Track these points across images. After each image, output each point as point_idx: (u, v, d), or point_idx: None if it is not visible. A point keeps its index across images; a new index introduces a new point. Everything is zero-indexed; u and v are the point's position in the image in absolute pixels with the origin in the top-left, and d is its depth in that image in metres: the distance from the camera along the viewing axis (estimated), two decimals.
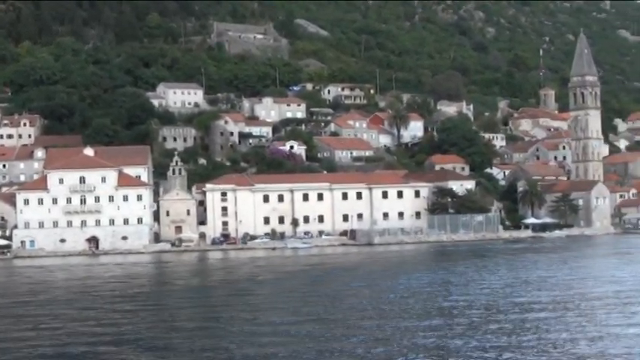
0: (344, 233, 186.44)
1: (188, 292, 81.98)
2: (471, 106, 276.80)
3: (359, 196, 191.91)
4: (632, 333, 48.03)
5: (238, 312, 63.12)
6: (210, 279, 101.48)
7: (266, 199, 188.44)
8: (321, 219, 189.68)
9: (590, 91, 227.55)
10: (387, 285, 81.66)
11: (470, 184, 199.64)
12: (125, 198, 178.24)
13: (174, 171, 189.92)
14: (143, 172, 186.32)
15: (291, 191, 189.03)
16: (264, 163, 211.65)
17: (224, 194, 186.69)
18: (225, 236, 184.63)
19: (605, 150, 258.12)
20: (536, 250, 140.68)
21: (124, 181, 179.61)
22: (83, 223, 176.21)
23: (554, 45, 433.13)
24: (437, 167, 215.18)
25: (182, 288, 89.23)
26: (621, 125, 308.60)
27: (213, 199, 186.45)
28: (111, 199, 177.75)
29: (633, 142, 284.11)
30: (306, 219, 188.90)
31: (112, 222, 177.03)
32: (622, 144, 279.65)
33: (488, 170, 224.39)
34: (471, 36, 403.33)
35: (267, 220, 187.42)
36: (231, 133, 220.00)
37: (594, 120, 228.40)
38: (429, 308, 62.67)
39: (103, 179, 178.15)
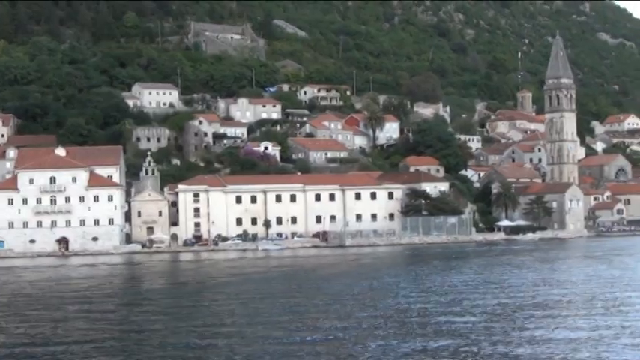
0: (317, 235, 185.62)
1: (126, 296, 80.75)
2: (448, 108, 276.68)
3: (332, 197, 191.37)
4: (554, 337, 47.39)
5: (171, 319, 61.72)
6: (157, 282, 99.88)
7: (238, 200, 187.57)
8: (294, 220, 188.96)
9: (565, 94, 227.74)
10: (338, 288, 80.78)
11: (444, 186, 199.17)
12: (96, 198, 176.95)
13: (146, 171, 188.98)
14: (115, 173, 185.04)
15: (264, 192, 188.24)
16: (237, 164, 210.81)
17: (196, 195, 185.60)
18: (198, 237, 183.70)
19: (581, 152, 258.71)
20: (503, 252, 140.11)
21: (95, 181, 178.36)
22: (53, 224, 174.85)
23: (533, 47, 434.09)
24: (412, 169, 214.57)
25: (121, 290, 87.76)
26: (598, 128, 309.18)
27: (185, 200, 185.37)
28: (81, 199, 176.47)
29: (610, 144, 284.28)
30: (279, 220, 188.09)
31: (82, 223, 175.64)
32: (599, 146, 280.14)
33: (463, 172, 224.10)
34: (450, 38, 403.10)
35: (239, 222, 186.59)
36: (205, 134, 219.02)
37: (569, 122, 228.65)
38: (364, 311, 61.49)
39: (74, 179, 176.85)
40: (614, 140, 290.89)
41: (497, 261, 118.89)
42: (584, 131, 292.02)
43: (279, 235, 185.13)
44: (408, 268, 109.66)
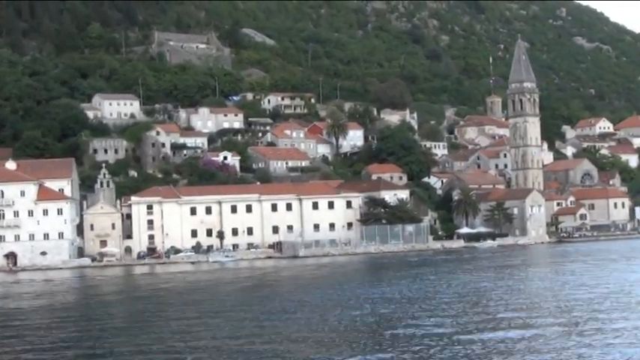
0: (273, 246, 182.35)
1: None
2: (415, 115, 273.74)
3: (289, 207, 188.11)
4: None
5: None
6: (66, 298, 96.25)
7: (193, 211, 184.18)
8: (250, 231, 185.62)
9: (528, 98, 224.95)
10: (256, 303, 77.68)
11: (404, 194, 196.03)
12: (45, 212, 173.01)
13: (101, 184, 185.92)
14: (67, 186, 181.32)
15: (219, 203, 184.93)
16: (196, 175, 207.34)
17: (150, 207, 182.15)
18: (152, 250, 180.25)
19: (549, 157, 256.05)
20: (451, 261, 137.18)
21: (44, 194, 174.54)
22: (2, 239, 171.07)
23: (509, 52, 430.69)
24: (374, 177, 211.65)
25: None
26: (569, 132, 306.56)
27: (138, 212, 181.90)
28: (30, 213, 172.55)
29: (580, 149, 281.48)
30: (235, 231, 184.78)
31: (31, 237, 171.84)
32: (569, 151, 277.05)
33: (425, 179, 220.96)
34: (424, 44, 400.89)
35: (194, 233, 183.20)
36: (163, 145, 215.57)
37: (533, 127, 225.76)
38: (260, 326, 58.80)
39: (22, 193, 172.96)
40: (585, 144, 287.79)
41: (446, 269, 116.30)
42: (554, 136, 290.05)
43: (235, 246, 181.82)
44: (336, 282, 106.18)
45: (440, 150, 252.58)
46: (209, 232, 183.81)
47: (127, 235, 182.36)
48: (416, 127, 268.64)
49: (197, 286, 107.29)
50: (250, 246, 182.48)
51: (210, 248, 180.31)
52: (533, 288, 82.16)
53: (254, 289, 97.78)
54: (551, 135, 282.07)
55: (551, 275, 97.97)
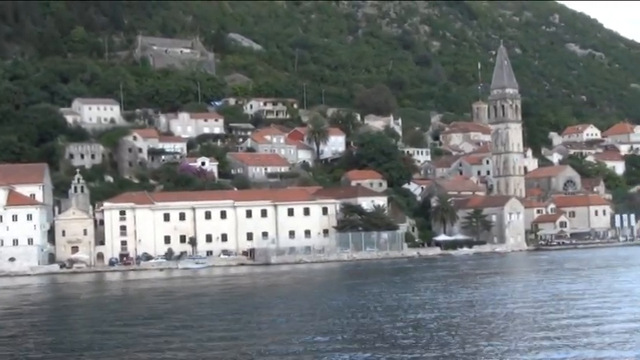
0: (247, 252, 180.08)
1: None
2: (400, 121, 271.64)
3: (264, 213, 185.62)
4: None
5: None
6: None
7: (167, 217, 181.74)
8: (224, 238, 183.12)
9: (510, 104, 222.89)
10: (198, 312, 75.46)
11: (382, 201, 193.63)
12: (14, 218, 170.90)
13: (75, 189, 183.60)
14: (38, 191, 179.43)
15: (193, 209, 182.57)
16: (172, 181, 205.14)
17: (123, 213, 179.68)
18: (124, 256, 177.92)
19: (534, 164, 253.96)
20: (422, 269, 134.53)
21: (14, 200, 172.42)
22: None
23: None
24: (353, 183, 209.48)
25: None
26: (556, 139, 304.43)
27: (111, 218, 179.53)
28: None
29: (567, 155, 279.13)
30: (209, 237, 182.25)
31: (1, 243, 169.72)
32: (555, 158, 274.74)
33: (406, 186, 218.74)
34: (414, 50, 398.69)
35: (167, 240, 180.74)
36: (140, 150, 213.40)
37: (515, 133, 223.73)
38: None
39: None
40: (572, 151, 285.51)
41: (410, 278, 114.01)
42: (540, 142, 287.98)
43: (209, 252, 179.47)
44: (293, 291, 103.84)
45: (423, 156, 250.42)
46: (182, 239, 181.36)
47: (100, 241, 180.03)
48: (400, 133, 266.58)
49: (133, 296, 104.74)
50: (224, 252, 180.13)
51: (183, 255, 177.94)
52: (454, 300, 77.93)
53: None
54: (537, 141, 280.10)
55: (487, 287, 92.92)
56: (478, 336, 53.82)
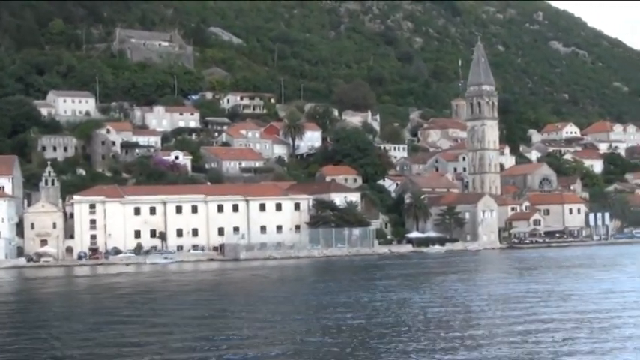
0: (217, 247, 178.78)
1: None
2: (378, 117, 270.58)
3: (235, 208, 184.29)
4: None
5: None
6: None
7: (137, 211, 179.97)
8: (195, 232, 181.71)
9: (486, 101, 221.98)
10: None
11: (355, 197, 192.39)
12: None
13: (46, 182, 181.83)
14: (8, 183, 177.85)
15: (164, 203, 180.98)
16: (145, 175, 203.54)
17: (93, 206, 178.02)
18: (94, 250, 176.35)
19: (511, 161, 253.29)
20: (384, 267, 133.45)
21: None
22: None
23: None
24: (328, 178, 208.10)
25: None
26: (535, 136, 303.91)
27: (81, 212, 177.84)
28: None
29: (545, 153, 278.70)
30: (179, 232, 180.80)
31: None
32: (534, 155, 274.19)
33: (380, 182, 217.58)
34: (397, 46, 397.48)
35: (137, 234, 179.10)
36: (113, 143, 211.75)
37: (491, 130, 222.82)
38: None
39: None
40: (551, 149, 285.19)
41: (369, 276, 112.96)
42: (519, 140, 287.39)
43: (180, 247, 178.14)
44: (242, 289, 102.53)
45: (400, 153, 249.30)
46: (153, 233, 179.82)
47: (70, 234, 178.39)
48: (378, 129, 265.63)
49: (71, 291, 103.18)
50: (195, 248, 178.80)
51: (153, 249, 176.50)
52: (383, 300, 75.80)
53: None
54: (516, 139, 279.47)
55: (433, 287, 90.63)
56: (370, 336, 53.38)
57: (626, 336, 52.07)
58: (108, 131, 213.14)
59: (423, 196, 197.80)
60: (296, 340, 53.15)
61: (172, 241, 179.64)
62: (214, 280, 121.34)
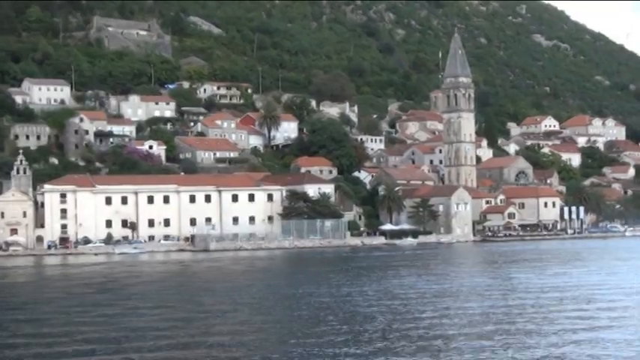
0: (188, 238, 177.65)
1: None
2: (356, 108, 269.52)
3: (208, 199, 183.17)
4: None
5: None
6: None
7: (108, 201, 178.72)
8: (166, 223, 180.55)
9: (463, 93, 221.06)
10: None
11: (329, 188, 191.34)
12: None
13: (17, 170, 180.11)
14: None
15: (136, 193, 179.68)
16: (119, 164, 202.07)
17: (63, 196, 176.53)
18: (65, 240, 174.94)
19: (488, 154, 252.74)
20: (347, 260, 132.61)
21: None
22: None
23: (465, 48, 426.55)
24: (303, 170, 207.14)
25: None
26: (514, 129, 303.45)
27: (51, 201, 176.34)
28: None
29: (524, 146, 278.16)
30: (151, 222, 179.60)
31: None
32: (512, 148, 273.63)
33: (356, 174, 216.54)
34: (378, 37, 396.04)
35: (109, 224, 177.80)
36: (87, 132, 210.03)
37: (468, 123, 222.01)
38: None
39: None
40: (529, 142, 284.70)
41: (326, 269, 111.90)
42: (498, 133, 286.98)
43: (151, 238, 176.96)
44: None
45: (376, 144, 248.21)
46: (124, 223, 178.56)
47: (41, 224, 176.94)
48: (356, 120, 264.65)
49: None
50: (167, 238, 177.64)
51: (125, 239, 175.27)
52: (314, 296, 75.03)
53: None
54: (494, 132, 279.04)
55: (380, 281, 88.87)
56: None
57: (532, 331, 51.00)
58: (81, 120, 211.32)
59: (397, 188, 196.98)
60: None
61: (144, 231, 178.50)
62: (166, 271, 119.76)
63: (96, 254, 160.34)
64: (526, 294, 72.66)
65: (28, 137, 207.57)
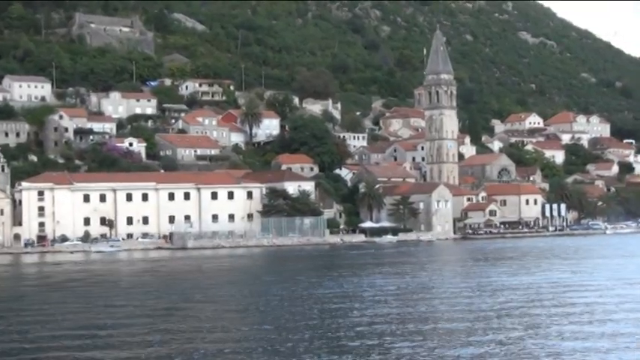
0: (166, 236, 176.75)
1: None
2: (339, 105, 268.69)
3: (187, 196, 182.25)
4: None
5: None
6: None
7: (86, 198, 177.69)
8: (145, 220, 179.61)
9: (445, 90, 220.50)
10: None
11: (309, 186, 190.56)
12: None
13: None
14: None
15: (114, 191, 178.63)
16: (98, 161, 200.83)
17: (41, 193, 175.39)
18: (42, 238, 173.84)
19: (471, 151, 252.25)
20: (322, 258, 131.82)
21: None
22: None
23: (450, 45, 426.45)
24: (284, 167, 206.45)
25: None
26: (498, 126, 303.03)
27: (29, 199, 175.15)
28: None
29: (508, 143, 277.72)
30: (130, 220, 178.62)
31: None
32: (496, 145, 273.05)
33: (337, 171, 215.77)
34: (363, 34, 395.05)
35: (87, 222, 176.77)
36: (66, 129, 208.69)
37: (450, 120, 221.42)
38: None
39: None
40: (513, 139, 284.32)
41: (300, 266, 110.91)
42: (482, 130, 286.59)
43: (130, 235, 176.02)
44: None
45: (359, 141, 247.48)
46: (103, 221, 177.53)
47: (19, 221, 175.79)
48: (339, 117, 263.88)
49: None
50: (145, 236, 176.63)
51: (103, 237, 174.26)
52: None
53: None
54: (478, 129, 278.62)
55: (338, 281, 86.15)
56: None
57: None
58: (61, 117, 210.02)
59: (377, 186, 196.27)
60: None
61: (122, 229, 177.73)
62: (133, 270, 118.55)
63: (72, 252, 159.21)
64: (487, 293, 71.42)
65: (7, 134, 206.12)
